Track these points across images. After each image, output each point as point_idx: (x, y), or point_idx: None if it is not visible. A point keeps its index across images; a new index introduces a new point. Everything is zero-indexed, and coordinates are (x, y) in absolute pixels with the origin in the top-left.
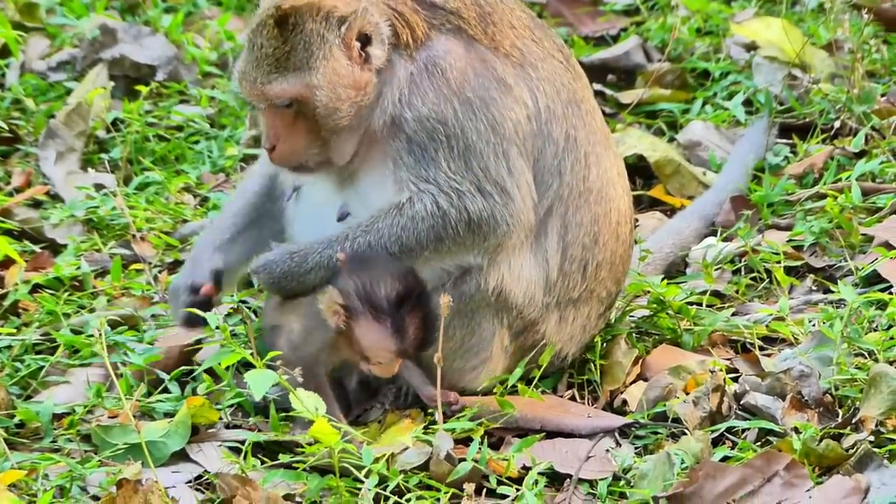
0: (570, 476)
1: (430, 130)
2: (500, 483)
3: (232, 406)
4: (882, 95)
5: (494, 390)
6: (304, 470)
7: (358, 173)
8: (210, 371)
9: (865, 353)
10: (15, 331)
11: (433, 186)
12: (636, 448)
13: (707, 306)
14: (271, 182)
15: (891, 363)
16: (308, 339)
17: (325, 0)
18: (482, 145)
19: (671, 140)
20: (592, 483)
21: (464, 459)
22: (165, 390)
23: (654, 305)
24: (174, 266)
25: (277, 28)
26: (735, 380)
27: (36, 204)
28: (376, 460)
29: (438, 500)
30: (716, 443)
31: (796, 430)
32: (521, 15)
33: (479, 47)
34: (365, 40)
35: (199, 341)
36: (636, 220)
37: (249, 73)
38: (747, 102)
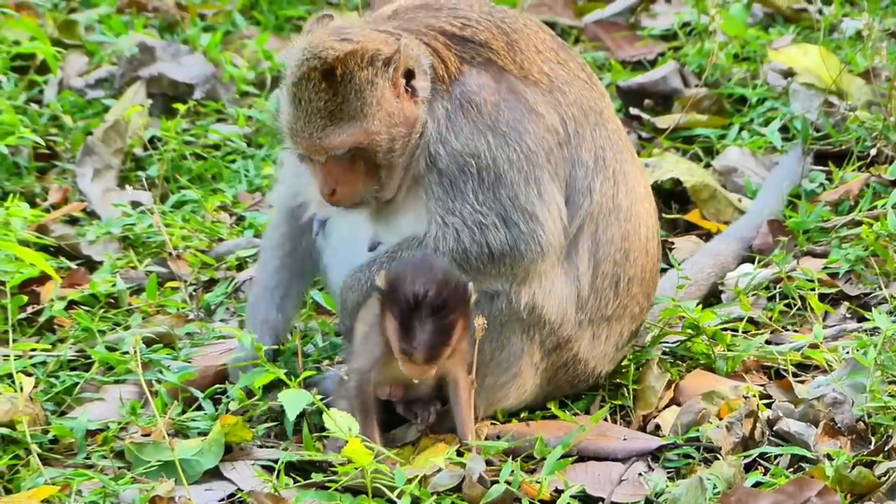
0: (602, 499)
1: (461, 164)
2: None
3: (265, 425)
4: None
5: (521, 416)
6: (337, 490)
7: (393, 205)
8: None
9: None
10: (50, 347)
11: (458, 220)
12: (668, 472)
13: (742, 333)
14: (292, 226)
15: None
16: (364, 346)
17: (367, 44)
18: (513, 174)
19: (707, 165)
20: None
21: (496, 482)
22: (200, 408)
23: (689, 331)
24: (210, 284)
25: (325, 81)
26: (768, 406)
27: (72, 220)
28: (409, 481)
29: None
30: (748, 468)
31: (829, 456)
32: (544, 37)
33: (509, 78)
34: (409, 75)
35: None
36: (672, 243)
37: (303, 129)
38: (784, 129)
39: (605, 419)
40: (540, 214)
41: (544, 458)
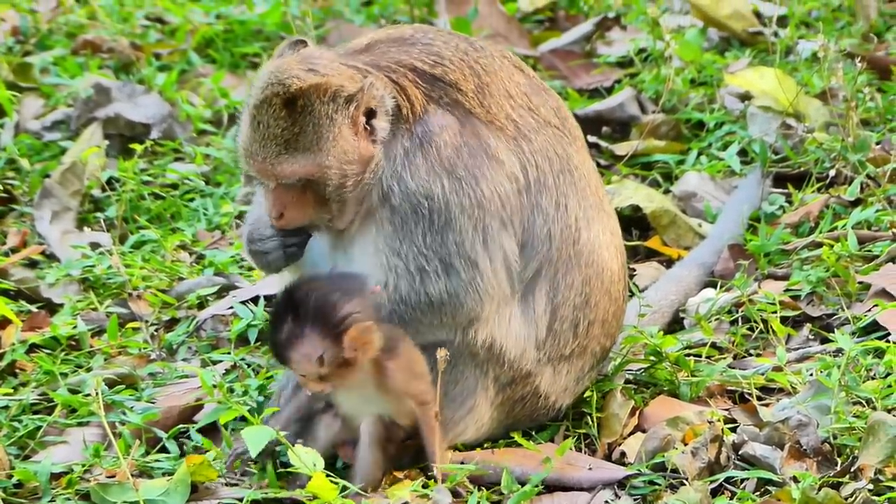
0: None
1: (414, 204)
2: None
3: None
4: (877, 143)
5: (485, 445)
6: None
7: (351, 236)
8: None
9: (863, 402)
10: (12, 391)
11: (401, 264)
12: (635, 499)
13: (706, 358)
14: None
15: (889, 411)
16: None
17: (332, 79)
18: (464, 220)
19: (667, 191)
20: None
21: None
22: (164, 449)
23: (652, 357)
24: (171, 324)
25: (285, 109)
26: (733, 430)
27: (32, 264)
28: None
29: None
30: (715, 493)
31: (795, 479)
32: (519, 81)
33: (474, 121)
34: (370, 114)
35: (197, 399)
36: (633, 269)
37: (257, 152)
38: (742, 152)
39: (570, 448)
40: (480, 262)
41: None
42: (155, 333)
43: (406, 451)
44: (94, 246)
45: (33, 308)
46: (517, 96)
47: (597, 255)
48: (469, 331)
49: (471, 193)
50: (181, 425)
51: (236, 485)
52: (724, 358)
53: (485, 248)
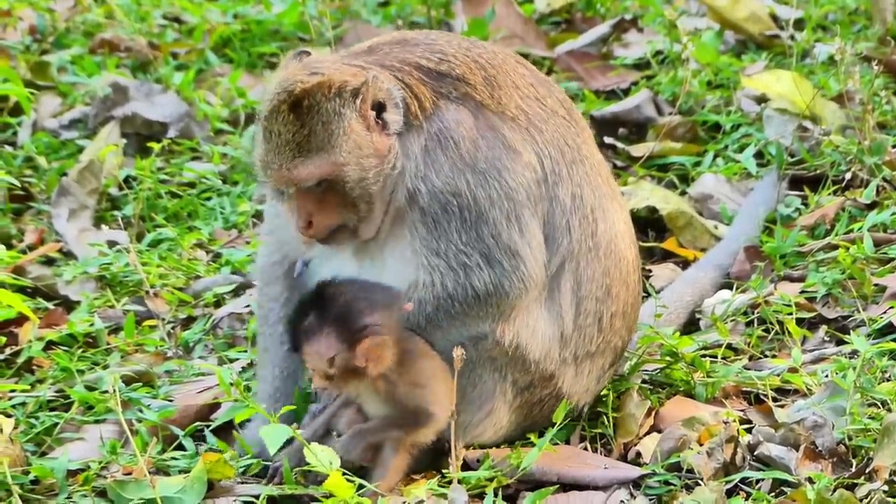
0: None
1: (443, 203)
2: None
3: (245, 461)
4: (893, 147)
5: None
6: None
7: (381, 243)
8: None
9: (878, 403)
10: (29, 387)
11: (442, 262)
12: (650, 499)
13: (721, 359)
14: (280, 269)
15: None
16: None
17: (334, 76)
18: (495, 213)
19: (683, 193)
20: None
21: None
22: (180, 446)
23: (668, 358)
24: (188, 322)
25: (293, 113)
26: (749, 431)
27: (49, 261)
28: None
29: None
30: (730, 493)
31: (810, 480)
32: (523, 73)
33: (487, 113)
34: (379, 107)
35: (214, 397)
36: (649, 270)
37: (273, 161)
38: (758, 155)
39: (586, 448)
40: (521, 251)
41: (527, 486)
42: (171, 331)
43: (424, 453)
44: (111, 244)
45: (50, 305)
46: (524, 87)
47: (614, 244)
48: (504, 326)
49: (496, 186)
50: (198, 423)
51: (252, 482)
52: (740, 359)
53: (522, 236)
